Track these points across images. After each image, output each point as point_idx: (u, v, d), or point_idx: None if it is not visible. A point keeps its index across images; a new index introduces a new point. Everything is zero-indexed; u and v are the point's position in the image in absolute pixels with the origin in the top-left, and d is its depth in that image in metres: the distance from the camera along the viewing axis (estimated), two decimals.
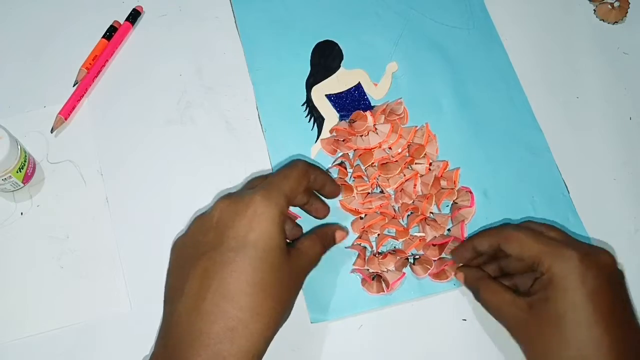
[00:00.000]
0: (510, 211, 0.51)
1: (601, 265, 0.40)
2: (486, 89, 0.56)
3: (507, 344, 0.47)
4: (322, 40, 0.57)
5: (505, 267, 0.47)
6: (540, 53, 0.58)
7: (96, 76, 0.55)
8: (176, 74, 0.56)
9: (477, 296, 0.45)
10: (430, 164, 0.52)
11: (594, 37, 0.59)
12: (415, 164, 0.52)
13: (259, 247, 0.39)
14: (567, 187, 0.52)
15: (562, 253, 0.40)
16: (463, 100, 0.55)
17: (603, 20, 0.59)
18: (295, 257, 0.42)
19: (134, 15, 0.57)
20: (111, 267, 0.49)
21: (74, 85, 0.55)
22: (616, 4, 0.59)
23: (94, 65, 0.55)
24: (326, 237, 0.46)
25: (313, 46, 0.57)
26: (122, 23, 0.57)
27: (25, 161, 0.49)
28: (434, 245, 0.49)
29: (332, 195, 0.49)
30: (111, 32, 0.56)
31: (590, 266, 0.40)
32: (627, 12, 0.59)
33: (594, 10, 0.60)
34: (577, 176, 0.53)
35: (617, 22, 0.59)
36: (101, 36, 0.56)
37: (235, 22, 0.58)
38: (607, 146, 0.55)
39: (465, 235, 0.50)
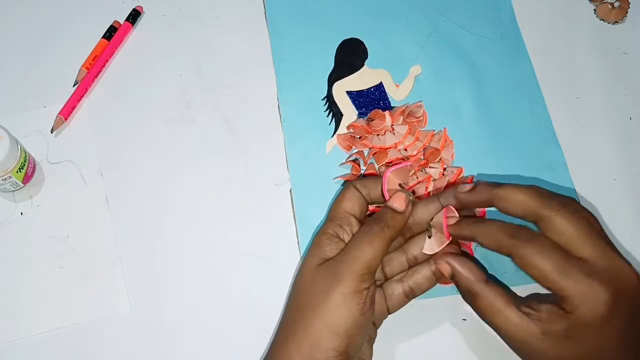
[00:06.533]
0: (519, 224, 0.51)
1: (632, 296, 0.36)
2: (508, 100, 0.55)
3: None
4: (348, 37, 0.57)
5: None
6: (540, 53, 0.58)
7: (96, 76, 0.55)
8: (176, 74, 0.56)
9: (471, 303, 0.41)
10: (445, 169, 0.52)
11: (594, 37, 0.59)
12: (429, 167, 0.51)
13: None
14: None
15: (590, 286, 0.35)
16: (484, 109, 0.55)
17: (603, 20, 0.59)
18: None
19: (134, 15, 0.57)
20: (111, 267, 0.49)
21: (74, 85, 0.55)
22: (616, 4, 0.59)
23: (94, 65, 0.55)
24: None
25: (339, 43, 0.57)
26: (122, 23, 0.57)
27: (25, 161, 0.49)
28: None
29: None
30: (111, 32, 0.56)
31: (620, 299, 0.35)
32: (627, 12, 0.59)
33: (594, 10, 0.60)
34: (577, 176, 0.53)
35: (617, 22, 0.59)
36: (101, 36, 0.56)
37: (264, 12, 0.58)
38: (607, 146, 0.55)
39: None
